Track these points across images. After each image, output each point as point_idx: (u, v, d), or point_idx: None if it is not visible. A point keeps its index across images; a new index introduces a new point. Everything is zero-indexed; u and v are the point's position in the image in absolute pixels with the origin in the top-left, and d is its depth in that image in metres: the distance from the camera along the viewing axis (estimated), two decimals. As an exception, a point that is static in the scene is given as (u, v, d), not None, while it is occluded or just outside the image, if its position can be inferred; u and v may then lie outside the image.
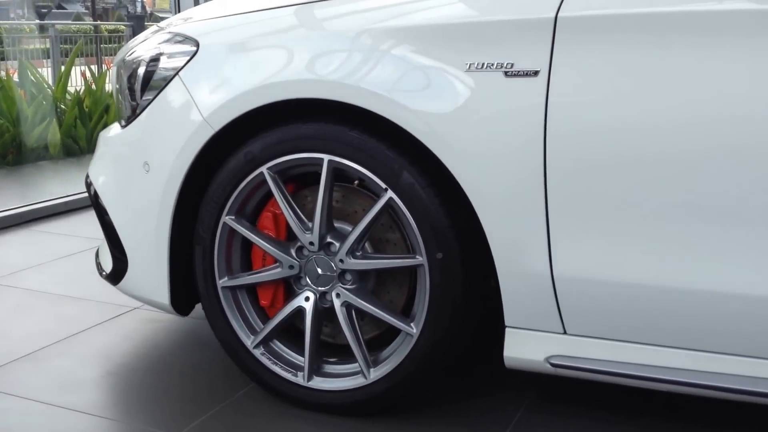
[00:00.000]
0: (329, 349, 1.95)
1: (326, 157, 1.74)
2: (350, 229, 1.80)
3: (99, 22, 20.74)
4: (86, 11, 30.85)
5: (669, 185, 1.46)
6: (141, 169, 1.95)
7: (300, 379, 1.87)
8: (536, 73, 1.52)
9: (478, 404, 1.93)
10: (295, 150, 1.77)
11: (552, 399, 1.96)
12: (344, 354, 1.88)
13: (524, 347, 1.68)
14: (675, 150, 1.45)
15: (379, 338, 1.89)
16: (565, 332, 1.65)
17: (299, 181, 1.90)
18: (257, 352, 1.91)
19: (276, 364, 1.90)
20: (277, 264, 1.87)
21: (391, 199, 1.70)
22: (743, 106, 1.40)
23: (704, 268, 1.48)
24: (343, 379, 1.85)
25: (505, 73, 1.55)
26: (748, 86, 1.40)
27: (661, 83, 1.45)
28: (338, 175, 1.80)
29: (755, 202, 1.41)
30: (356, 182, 1.84)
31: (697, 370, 1.56)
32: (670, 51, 1.44)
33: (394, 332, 1.82)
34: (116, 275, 2.12)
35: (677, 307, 1.52)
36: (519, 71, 1.53)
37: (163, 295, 1.97)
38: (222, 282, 1.92)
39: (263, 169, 1.80)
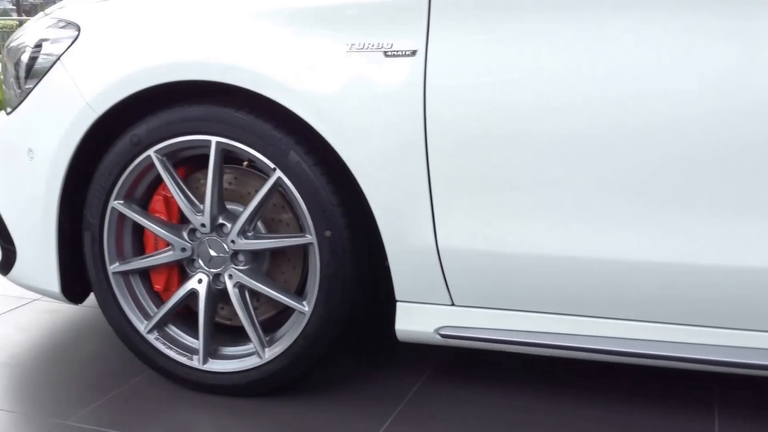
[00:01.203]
0: (226, 331, 1.96)
1: (214, 139, 1.74)
2: (243, 210, 1.81)
3: (25, 17, 19.89)
4: (13, 7, 29.49)
5: (545, 158, 1.52)
6: (26, 156, 1.90)
7: (195, 362, 1.87)
8: (414, 52, 1.56)
9: (375, 379, 1.97)
10: (182, 132, 1.77)
11: (449, 372, 2.02)
12: (241, 335, 1.89)
13: (414, 320, 1.73)
14: (549, 124, 1.51)
15: (276, 318, 1.91)
16: (453, 304, 1.70)
17: (192, 164, 1.90)
18: (151, 337, 1.90)
19: (171, 348, 1.90)
20: (169, 247, 1.86)
21: (279, 178, 1.71)
22: (612, 81, 1.46)
23: (580, 237, 1.55)
24: (238, 360, 1.86)
25: (385, 54, 1.58)
26: (615, 62, 1.46)
27: (533, 62, 1.50)
28: (231, 156, 1.81)
29: (627, 171, 1.48)
30: (245, 163, 1.85)
31: (576, 334, 1.64)
32: (542, 30, 1.50)
33: (290, 312, 1.84)
34: (6, 265, 2.07)
35: (557, 274, 1.59)
36: (398, 51, 1.57)
37: (53, 284, 1.94)
38: (113, 268, 1.90)
39: (150, 152, 1.79)
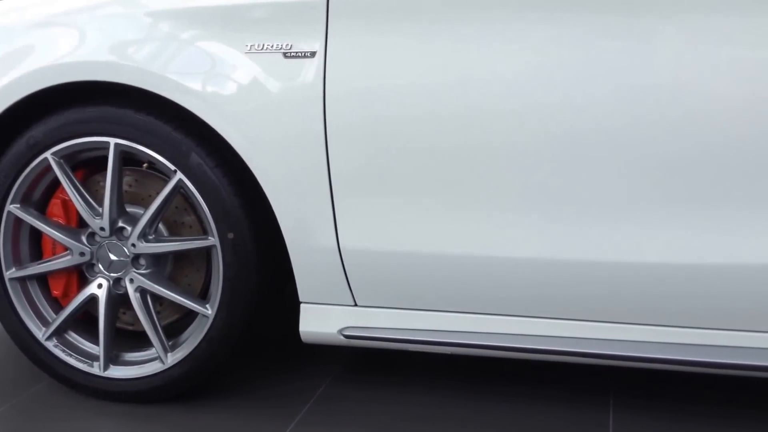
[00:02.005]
0: (129, 336, 1.92)
1: (112, 141, 1.71)
2: (143, 213, 1.78)
3: None
4: None
5: (444, 159, 1.55)
6: None
7: (96, 369, 1.83)
8: (313, 54, 1.56)
9: (282, 380, 1.97)
10: (80, 134, 1.73)
11: (357, 372, 2.03)
12: (143, 340, 1.85)
13: (318, 321, 1.73)
14: (448, 125, 1.53)
15: (180, 322, 1.89)
16: (356, 304, 1.71)
17: (92, 166, 1.86)
18: (50, 345, 1.85)
19: (71, 355, 1.85)
20: (68, 252, 1.82)
21: (180, 180, 1.69)
22: (514, 82, 1.49)
23: (480, 236, 1.58)
24: (141, 366, 1.83)
25: (284, 54, 1.58)
26: (517, 63, 1.50)
27: (433, 63, 1.53)
28: (132, 158, 1.78)
29: (525, 170, 1.52)
30: (145, 165, 1.82)
31: (479, 332, 1.67)
32: (443, 31, 1.52)
33: (194, 315, 1.82)
34: None
35: (457, 274, 1.62)
36: (297, 52, 1.57)
37: (-54, 290, 1.87)
38: (9, 273, 1.84)
39: (47, 154, 1.75)
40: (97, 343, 1.84)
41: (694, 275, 1.49)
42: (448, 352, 1.71)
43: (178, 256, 1.84)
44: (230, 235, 1.69)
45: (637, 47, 1.44)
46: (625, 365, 1.64)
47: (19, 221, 1.83)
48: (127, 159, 1.77)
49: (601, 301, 1.56)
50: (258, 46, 1.59)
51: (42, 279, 1.89)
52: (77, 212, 1.82)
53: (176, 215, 1.82)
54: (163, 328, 1.82)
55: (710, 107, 1.42)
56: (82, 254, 1.80)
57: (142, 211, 1.78)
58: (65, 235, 1.81)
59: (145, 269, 1.79)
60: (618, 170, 1.47)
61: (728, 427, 1.71)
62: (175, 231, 1.83)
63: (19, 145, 1.76)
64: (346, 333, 1.72)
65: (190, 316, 1.85)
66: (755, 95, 1.39)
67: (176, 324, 1.89)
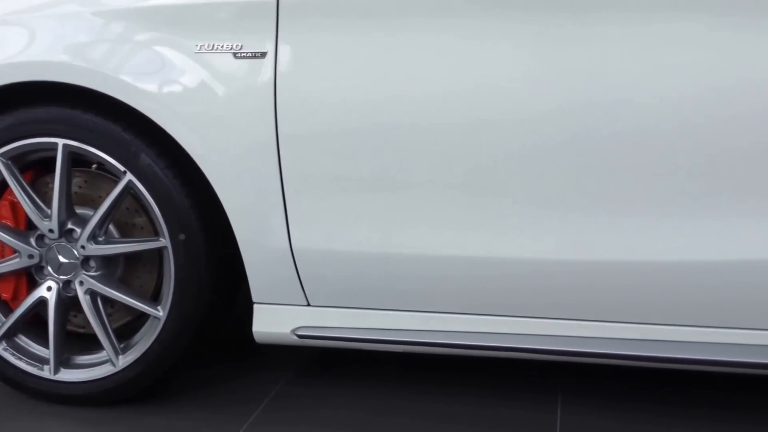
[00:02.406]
0: (80, 339, 1.90)
1: (61, 141, 1.69)
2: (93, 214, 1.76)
3: None
4: None
5: (394, 159, 1.56)
6: None
7: (47, 372, 1.81)
8: (264, 54, 1.57)
9: (236, 381, 1.97)
10: (27, 135, 1.71)
11: (312, 372, 2.03)
12: (94, 343, 1.83)
13: (271, 322, 1.73)
14: (398, 125, 1.54)
15: (133, 324, 1.87)
16: (308, 304, 1.72)
17: (42, 167, 1.83)
18: (-1, 348, 1.83)
19: (20, 358, 1.83)
20: (16, 254, 1.79)
21: (130, 181, 1.68)
22: (451, 80, 1.51)
23: (430, 236, 1.59)
24: (92, 369, 1.81)
25: (235, 55, 1.58)
26: (454, 62, 1.51)
27: (383, 64, 1.53)
28: (81, 159, 1.76)
29: (471, 171, 1.53)
30: (94, 166, 1.81)
31: (430, 330, 1.68)
32: (389, 32, 1.53)
33: (147, 318, 1.81)
34: None
35: (408, 273, 1.63)
36: (247, 53, 1.57)
37: None
38: (-44, 277, 1.82)
39: (-6, 155, 1.73)
40: (47, 346, 1.82)
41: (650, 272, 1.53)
42: (400, 351, 1.73)
43: (130, 258, 1.83)
44: (182, 237, 1.69)
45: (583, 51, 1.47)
46: (571, 360, 1.66)
47: (-35, 224, 1.80)
48: (78, 160, 1.75)
49: (542, 297, 1.58)
50: (208, 46, 1.59)
51: (-9, 282, 1.86)
52: (26, 214, 1.79)
53: (127, 217, 1.81)
54: (115, 331, 1.81)
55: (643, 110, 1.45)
56: (30, 257, 1.78)
57: (92, 213, 1.77)
58: (13, 238, 1.78)
59: (95, 271, 1.77)
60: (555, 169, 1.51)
61: (680, 426, 1.76)
62: (126, 232, 1.81)
63: (-35, 147, 1.74)
64: (300, 333, 1.72)
65: (142, 318, 1.84)
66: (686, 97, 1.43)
67: (128, 326, 1.87)
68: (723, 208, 1.46)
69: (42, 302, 1.80)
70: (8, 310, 1.86)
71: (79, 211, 1.80)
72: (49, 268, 1.79)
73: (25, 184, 1.75)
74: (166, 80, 1.61)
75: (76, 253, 1.76)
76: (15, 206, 1.81)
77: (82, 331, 1.91)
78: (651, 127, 1.44)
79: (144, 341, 1.77)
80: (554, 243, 1.53)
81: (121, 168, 1.68)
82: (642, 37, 1.43)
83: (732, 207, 1.45)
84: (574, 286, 1.56)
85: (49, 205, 1.75)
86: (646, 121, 1.44)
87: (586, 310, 1.58)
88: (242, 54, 1.57)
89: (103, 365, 1.81)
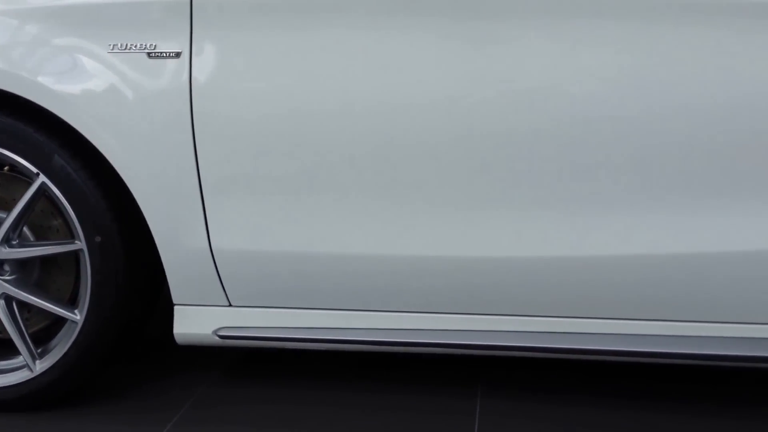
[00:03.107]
0: (-2, 345, 1.86)
1: (-30, 143, 1.65)
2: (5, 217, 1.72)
3: None
4: None
5: (308, 159, 1.56)
6: None
7: (-40, 379, 1.77)
8: (178, 54, 1.55)
9: (158, 385, 1.94)
10: (-66, 137, 1.66)
11: (235, 374, 2.03)
12: (11, 348, 1.79)
13: (192, 323, 1.72)
14: (310, 126, 1.55)
15: (50, 329, 1.84)
16: (230, 304, 1.71)
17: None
18: None
19: (-67, 365, 1.78)
20: (-73, 259, 1.74)
21: (44, 183, 1.65)
22: (379, 82, 1.53)
23: (344, 234, 1.60)
24: (8, 374, 1.77)
25: (149, 55, 1.56)
26: (369, 65, 1.53)
27: (296, 65, 1.54)
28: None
29: (382, 172, 1.56)
30: (6, 168, 1.76)
31: (352, 327, 1.70)
32: (306, 34, 1.54)
33: (64, 322, 1.77)
34: None
35: (326, 271, 1.64)
36: (162, 53, 1.56)
37: None
38: None
39: None
40: (-40, 352, 1.78)
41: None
42: (324, 349, 1.74)
43: (47, 261, 1.79)
44: (98, 239, 1.66)
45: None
46: (489, 354, 1.70)
47: None
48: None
49: (461, 293, 1.62)
50: (121, 46, 1.57)
51: None
52: (-64, 218, 1.74)
53: (43, 219, 1.77)
54: (32, 335, 1.77)
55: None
56: (-60, 262, 1.73)
57: (5, 216, 1.73)
58: None
59: (9, 275, 1.73)
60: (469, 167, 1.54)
61: (603, 415, 1.81)
62: (42, 235, 1.78)
63: None
64: (221, 333, 1.72)
65: (59, 322, 1.80)
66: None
67: (46, 330, 1.83)
68: (622, 204, 1.51)
69: (-46, 308, 1.75)
70: None
71: (-9, 214, 1.76)
72: (-39, 273, 1.75)
73: (-68, 187, 1.71)
74: (79, 81, 1.58)
75: (-12, 257, 1.72)
76: (-76, 210, 1.76)
77: (-2, 336, 1.86)
78: (546, 125, 1.49)
79: (61, 346, 1.74)
80: (467, 239, 1.56)
81: (34, 170, 1.64)
82: (534, 38, 1.47)
83: (631, 203, 1.51)
84: (489, 282, 1.59)
85: (-37, 208, 1.71)
86: (539, 120, 1.49)
87: (505, 305, 1.62)
88: (156, 54, 1.56)
89: (19, 371, 1.77)
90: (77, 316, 1.71)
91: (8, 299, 1.74)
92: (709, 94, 1.45)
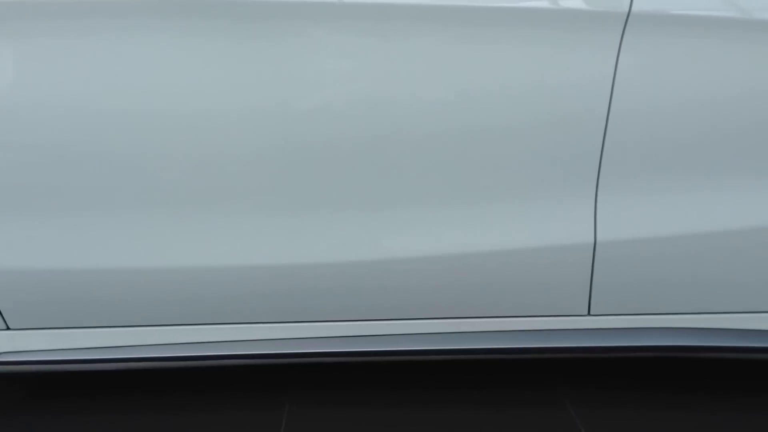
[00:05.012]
0: None
1: None
2: None
3: None
4: None
5: (70, 174, 1.46)
6: None
7: None
8: None
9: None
10: None
11: (45, 394, 1.90)
12: None
13: (-34, 349, 1.59)
14: (75, 134, 1.44)
15: None
16: (8, 328, 1.59)
17: None
18: None
19: None
20: None
21: None
22: (130, 96, 1.43)
23: (111, 248, 1.52)
24: None
25: None
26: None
27: (59, 71, 1.42)
28: None
29: (141, 187, 1.48)
30: None
31: (142, 344, 1.62)
32: (68, 36, 1.42)
33: None
34: None
35: (104, 288, 1.55)
36: None
37: None
38: None
39: None
40: None
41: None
42: (111, 369, 1.64)
43: None
44: None
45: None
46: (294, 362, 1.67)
47: None
48: None
49: (259, 302, 1.59)
50: None
51: None
52: None
53: None
54: None
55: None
56: None
57: None
58: None
59: None
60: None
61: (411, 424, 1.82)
62: None
63: None
64: (0, 359, 1.59)
65: None
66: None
67: None
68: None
69: None
70: None
71: None
72: None
73: None
74: None
75: None
76: None
77: None
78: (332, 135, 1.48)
79: None
80: (257, 248, 1.54)
81: None
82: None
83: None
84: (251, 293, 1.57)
85: None
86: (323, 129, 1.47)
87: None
88: None
89: None
90: None
91: None
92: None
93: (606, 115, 1.47)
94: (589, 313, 1.61)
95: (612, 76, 1.45)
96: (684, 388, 1.87)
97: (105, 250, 1.51)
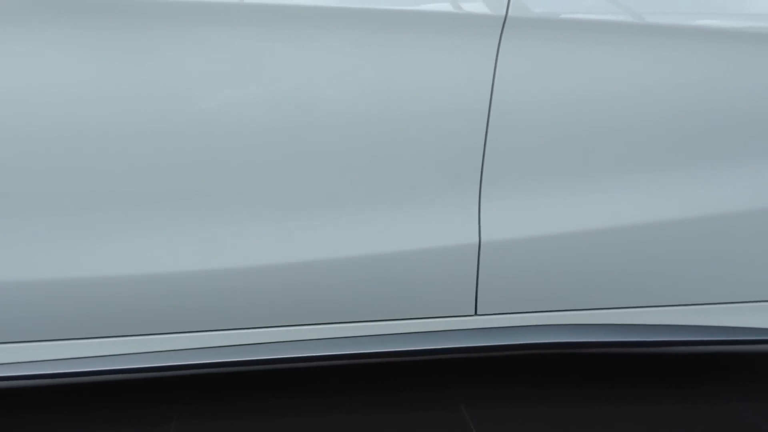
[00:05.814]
0: None
1: None
2: None
3: None
4: None
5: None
6: None
7: None
8: None
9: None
10: None
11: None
12: None
13: None
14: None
15: None
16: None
17: None
18: None
19: None
20: None
21: None
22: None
23: (31, 257, 1.50)
24: None
25: None
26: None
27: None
28: None
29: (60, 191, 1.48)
30: None
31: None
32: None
33: None
34: None
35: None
36: None
37: None
38: None
39: None
40: None
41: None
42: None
43: None
44: None
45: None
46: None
47: None
48: None
49: (157, 313, 1.57)
50: None
51: None
52: None
53: None
54: None
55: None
56: None
57: None
58: None
59: None
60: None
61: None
62: None
63: None
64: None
65: None
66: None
67: None
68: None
69: None
70: None
71: None
72: None
73: None
74: None
75: None
76: None
77: None
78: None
79: None
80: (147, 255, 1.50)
81: None
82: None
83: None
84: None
85: None
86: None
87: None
88: None
89: None
90: None
91: None
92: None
93: (486, 118, 1.49)
94: (476, 313, 1.63)
95: (491, 79, 1.47)
96: (575, 384, 1.91)
97: (22, 260, 1.49)
